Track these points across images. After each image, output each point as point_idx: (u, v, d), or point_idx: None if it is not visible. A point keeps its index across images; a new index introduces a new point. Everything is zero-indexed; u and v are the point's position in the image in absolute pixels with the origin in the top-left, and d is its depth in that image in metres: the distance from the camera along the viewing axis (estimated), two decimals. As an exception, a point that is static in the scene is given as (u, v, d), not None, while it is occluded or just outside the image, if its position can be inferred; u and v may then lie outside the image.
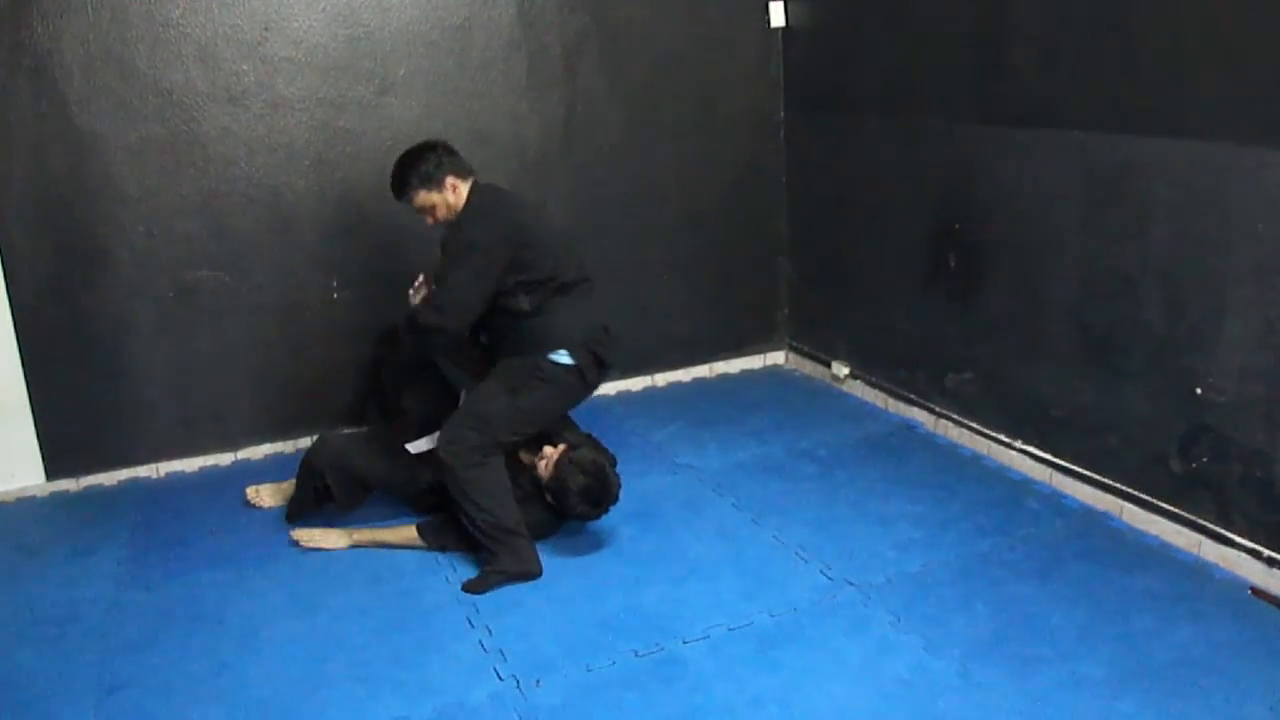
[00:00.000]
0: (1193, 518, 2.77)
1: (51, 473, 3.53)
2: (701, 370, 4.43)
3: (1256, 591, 2.57)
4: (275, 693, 2.36)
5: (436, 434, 3.07)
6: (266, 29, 3.45)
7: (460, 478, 2.78)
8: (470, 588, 2.75)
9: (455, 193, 2.91)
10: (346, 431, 3.49)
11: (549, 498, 2.89)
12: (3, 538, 3.22)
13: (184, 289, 3.53)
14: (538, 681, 2.35)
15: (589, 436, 3.10)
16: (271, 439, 3.78)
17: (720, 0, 4.08)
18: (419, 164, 2.89)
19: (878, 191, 3.86)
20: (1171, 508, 2.83)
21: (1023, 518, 3.03)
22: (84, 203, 3.36)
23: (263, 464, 3.70)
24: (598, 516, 2.91)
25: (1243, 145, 2.50)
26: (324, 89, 3.56)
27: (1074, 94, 2.95)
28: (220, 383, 3.65)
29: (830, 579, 2.74)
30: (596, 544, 2.98)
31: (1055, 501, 3.12)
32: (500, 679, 2.37)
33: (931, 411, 3.72)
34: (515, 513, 2.81)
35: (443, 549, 2.95)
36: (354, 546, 3.00)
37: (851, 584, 2.70)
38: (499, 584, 2.76)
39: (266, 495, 3.30)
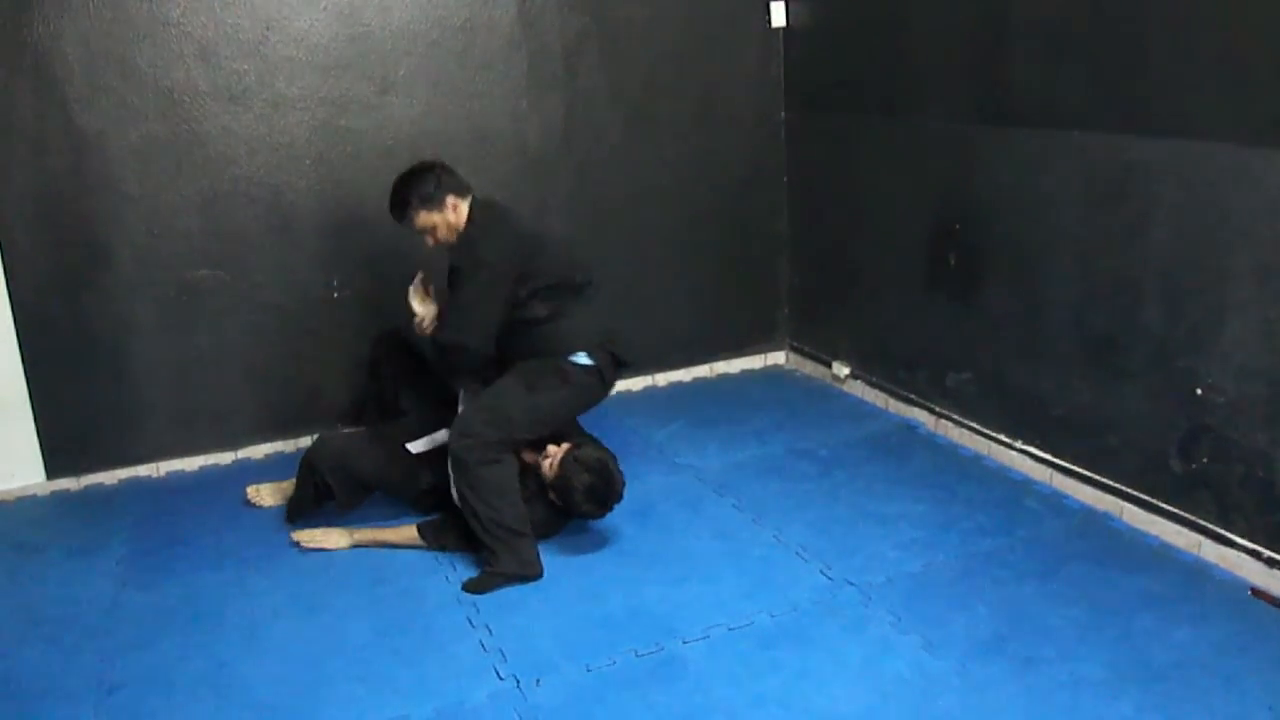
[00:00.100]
0: (1193, 518, 2.77)
1: (52, 472, 3.53)
2: (702, 370, 4.44)
3: (1256, 592, 2.57)
4: (275, 692, 2.36)
5: (437, 434, 3.08)
6: (268, 28, 3.45)
7: (472, 473, 2.77)
8: (470, 588, 2.75)
9: (456, 212, 2.91)
10: (347, 431, 3.48)
11: (553, 496, 2.89)
12: (2, 537, 3.22)
13: (184, 288, 3.53)
14: (538, 681, 2.35)
15: (591, 437, 3.10)
16: (272, 438, 3.78)
17: (721, 0, 4.08)
18: (418, 185, 2.89)
19: (878, 192, 3.86)
20: (1172, 508, 2.83)
21: (1023, 518, 3.03)
22: (85, 201, 3.36)
23: (263, 463, 3.70)
24: (602, 515, 2.91)
25: (1243, 146, 2.50)
26: (325, 88, 3.56)
27: (1074, 94, 2.95)
28: (221, 382, 3.65)
29: (830, 579, 2.74)
30: (596, 544, 2.98)
31: (1055, 502, 3.12)
32: (500, 679, 2.37)
33: (932, 412, 3.72)
34: (522, 512, 2.81)
35: (443, 549, 2.95)
36: (355, 546, 3.00)
37: (852, 584, 2.70)
38: (499, 585, 2.75)
39: (267, 494, 3.30)
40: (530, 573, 2.78)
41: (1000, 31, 3.17)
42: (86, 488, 3.56)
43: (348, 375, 3.76)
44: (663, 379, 4.35)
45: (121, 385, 3.53)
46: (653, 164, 4.12)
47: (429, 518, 3.04)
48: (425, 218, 2.91)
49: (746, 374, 4.48)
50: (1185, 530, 2.79)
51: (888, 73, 3.71)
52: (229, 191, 3.52)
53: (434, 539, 2.95)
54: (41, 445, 3.48)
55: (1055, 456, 3.20)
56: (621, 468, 2.93)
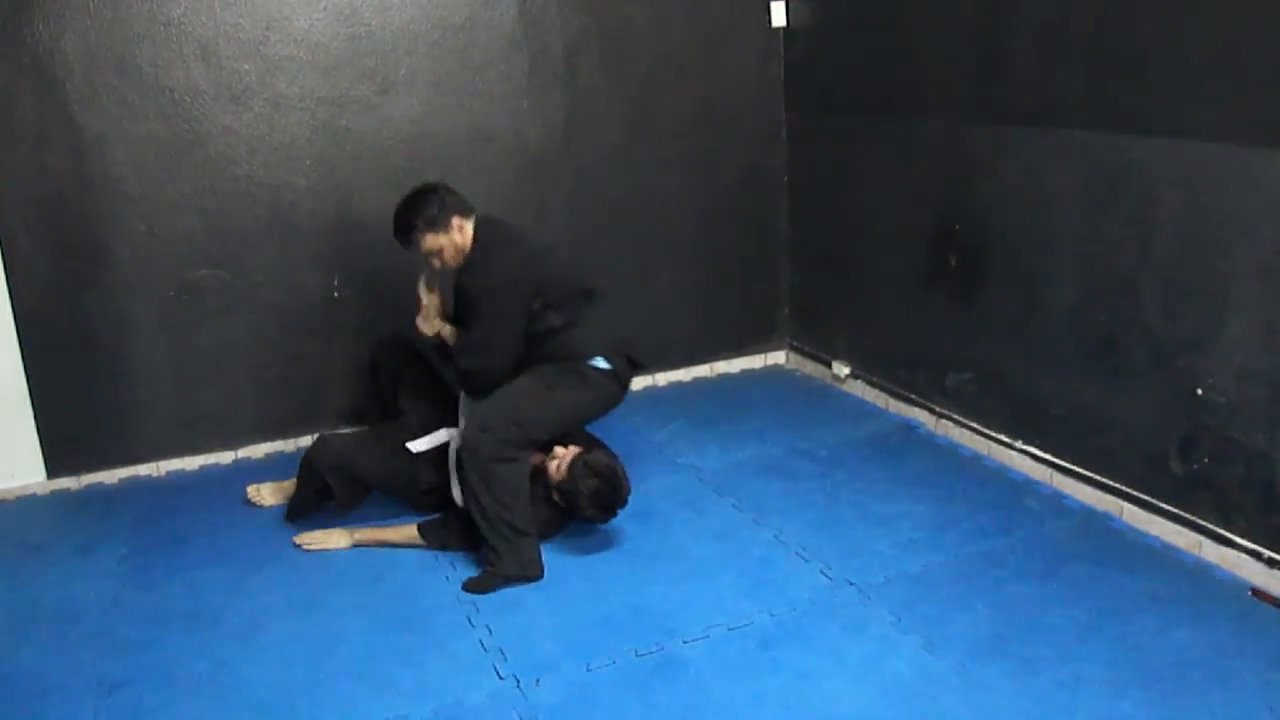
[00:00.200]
0: (1193, 518, 2.77)
1: (52, 471, 3.53)
2: (702, 370, 4.44)
3: (1257, 592, 2.57)
4: (275, 691, 2.36)
5: (437, 433, 3.08)
6: (268, 28, 3.45)
7: (486, 468, 2.76)
8: (471, 588, 2.75)
9: (462, 233, 2.91)
10: (347, 431, 3.49)
11: (557, 498, 2.89)
12: (3, 536, 3.22)
13: (185, 287, 3.53)
14: (538, 681, 2.35)
15: (599, 441, 3.11)
16: (272, 438, 3.78)
17: (721, 0, 4.08)
18: (423, 208, 2.88)
19: (879, 191, 3.86)
20: (1172, 508, 2.83)
21: (1023, 518, 3.03)
22: (85, 201, 3.36)
23: (263, 463, 3.70)
24: (606, 520, 2.92)
25: (1244, 146, 2.50)
26: (325, 88, 3.56)
27: (1075, 94, 2.95)
28: (221, 381, 3.65)
29: (830, 579, 2.74)
30: (597, 543, 2.97)
31: (1056, 502, 3.12)
32: (500, 678, 2.37)
33: (932, 411, 3.72)
34: (528, 512, 2.81)
35: (444, 548, 2.95)
36: (355, 545, 3.01)
37: (852, 584, 2.70)
38: (500, 585, 2.75)
39: (267, 494, 3.31)
40: (531, 573, 2.78)
41: (1001, 31, 3.17)
42: (87, 487, 3.57)
43: (348, 375, 3.77)
44: (663, 378, 4.35)
45: (122, 384, 3.53)
46: (653, 164, 4.12)
47: (429, 517, 3.04)
48: (431, 240, 2.90)
49: (747, 374, 4.48)
50: (1185, 530, 2.79)
51: (888, 73, 3.71)
52: (229, 191, 3.52)
53: (434, 538, 2.95)
54: (42, 444, 3.49)
55: (1055, 456, 3.20)
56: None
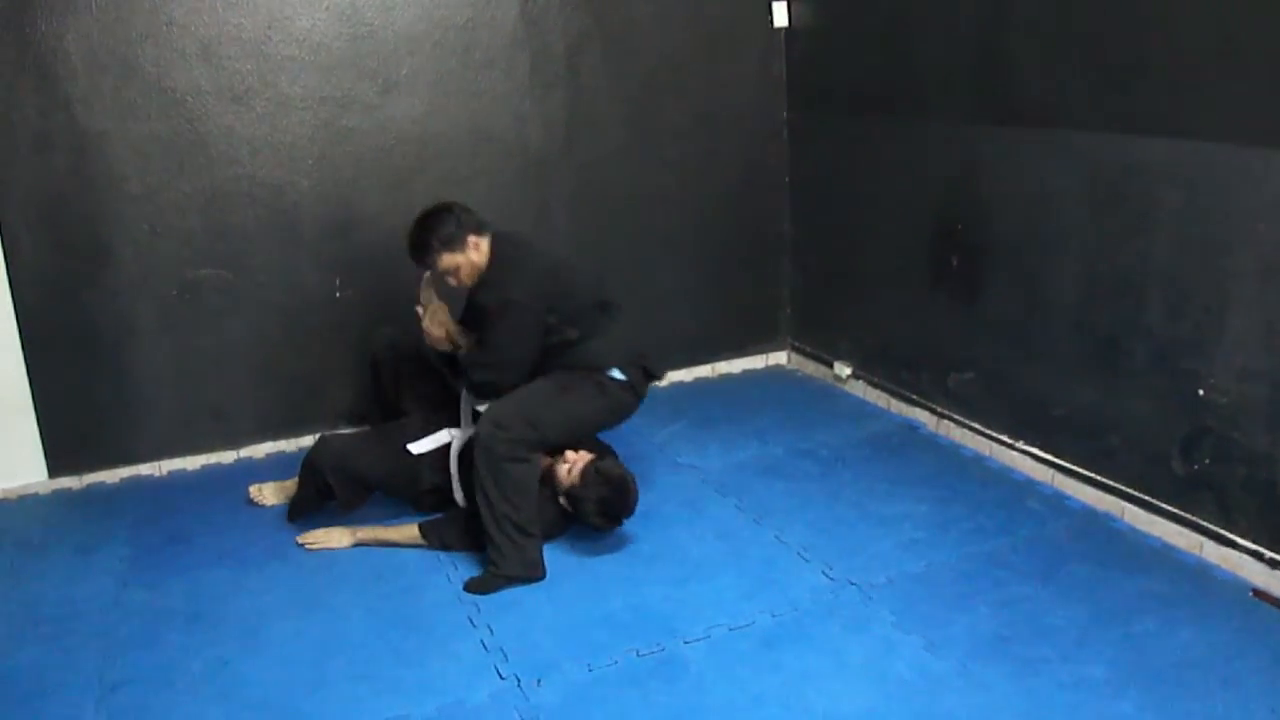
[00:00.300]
0: (1195, 519, 2.77)
1: (54, 470, 3.53)
2: (704, 370, 4.43)
3: (1258, 593, 2.56)
4: (276, 691, 2.36)
5: (438, 434, 3.08)
6: (270, 28, 3.45)
7: (497, 466, 2.76)
8: (472, 588, 2.75)
9: (478, 250, 2.92)
10: (348, 431, 3.49)
11: (564, 502, 2.90)
12: (5, 535, 3.22)
13: (187, 287, 3.53)
14: (539, 681, 2.35)
15: (609, 448, 3.12)
16: (274, 437, 3.78)
17: (723, 0, 4.08)
18: (438, 227, 2.88)
19: (880, 192, 3.85)
20: (1173, 509, 2.83)
21: (1025, 518, 3.02)
22: (87, 200, 3.36)
23: (265, 462, 3.70)
24: (610, 529, 2.93)
25: (1245, 147, 2.49)
26: (327, 88, 3.56)
27: (1077, 95, 2.95)
28: (223, 381, 3.65)
29: (832, 579, 2.74)
30: (598, 544, 2.97)
31: (1057, 502, 3.12)
32: (501, 678, 2.37)
33: (934, 412, 3.72)
34: (534, 514, 2.81)
35: (445, 548, 2.95)
36: (357, 545, 3.01)
37: (853, 584, 2.70)
38: (501, 585, 2.75)
39: (269, 493, 3.31)
40: (533, 574, 2.78)
41: (1002, 32, 3.17)
42: (88, 486, 3.57)
43: (349, 375, 3.77)
44: (664, 379, 4.34)
45: (123, 384, 3.53)
46: (655, 164, 4.12)
47: (431, 517, 3.04)
48: (448, 259, 2.90)
49: (748, 374, 4.48)
50: (1187, 531, 2.78)
51: (890, 73, 3.71)
52: (231, 191, 3.52)
53: (436, 538, 2.95)
54: (43, 444, 3.49)
55: (1057, 457, 3.20)
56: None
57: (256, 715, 2.28)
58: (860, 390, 4.11)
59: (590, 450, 2.97)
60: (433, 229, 2.89)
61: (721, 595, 2.68)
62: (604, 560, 2.90)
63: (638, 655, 2.43)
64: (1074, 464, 3.14)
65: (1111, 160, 2.87)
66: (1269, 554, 2.58)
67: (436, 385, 3.29)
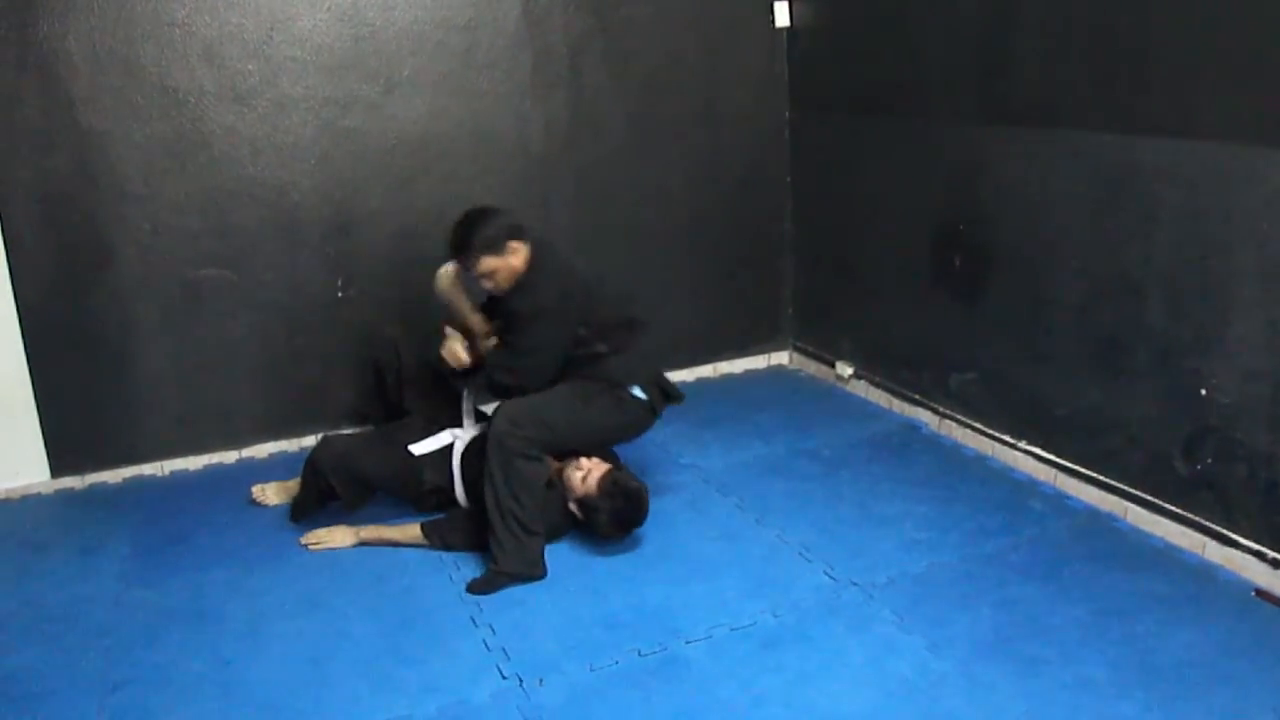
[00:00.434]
0: (1197, 519, 2.76)
1: (56, 470, 3.53)
2: (705, 370, 4.43)
3: (1261, 593, 2.56)
4: (278, 690, 2.36)
5: (440, 434, 3.08)
6: (272, 28, 3.46)
7: (509, 462, 2.77)
8: (474, 588, 2.75)
9: (517, 255, 2.92)
10: (351, 432, 3.49)
11: (574, 507, 2.90)
12: (7, 535, 3.22)
13: (189, 287, 3.54)
14: (540, 680, 2.35)
15: (617, 458, 3.13)
16: (276, 437, 3.78)
17: (724, 0, 4.08)
18: (480, 229, 2.88)
19: (882, 192, 3.85)
20: (1176, 509, 2.82)
21: (1027, 519, 3.02)
22: (89, 201, 3.37)
23: (267, 462, 3.71)
24: (618, 539, 2.93)
25: (1248, 147, 2.49)
26: (329, 88, 3.56)
27: (1079, 95, 2.94)
28: (225, 381, 3.66)
29: (834, 579, 2.74)
30: (600, 543, 2.97)
31: (1059, 502, 3.11)
32: (503, 678, 2.37)
33: (936, 412, 3.71)
34: (540, 513, 2.82)
35: (447, 548, 2.95)
36: (359, 544, 3.01)
37: (855, 584, 2.70)
38: (503, 585, 2.75)
39: (272, 493, 3.31)
40: (535, 573, 2.78)
41: (1004, 32, 3.17)
42: (91, 486, 3.57)
43: (352, 375, 3.77)
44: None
45: (126, 384, 3.54)
46: (656, 164, 4.12)
47: (433, 517, 3.04)
48: (488, 263, 2.89)
49: (750, 374, 4.48)
50: (1189, 531, 2.78)
51: (892, 73, 3.71)
52: (233, 191, 3.52)
53: (438, 538, 2.96)
54: (46, 444, 3.49)
55: (1059, 457, 3.20)
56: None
57: (258, 715, 2.28)
58: (862, 390, 4.10)
59: (606, 459, 2.98)
60: (475, 231, 2.88)
61: (723, 595, 2.68)
62: (606, 560, 2.90)
63: (639, 655, 2.43)
64: (1076, 464, 3.14)
65: (1113, 160, 2.87)
66: (1271, 554, 2.57)
67: (439, 386, 3.29)
